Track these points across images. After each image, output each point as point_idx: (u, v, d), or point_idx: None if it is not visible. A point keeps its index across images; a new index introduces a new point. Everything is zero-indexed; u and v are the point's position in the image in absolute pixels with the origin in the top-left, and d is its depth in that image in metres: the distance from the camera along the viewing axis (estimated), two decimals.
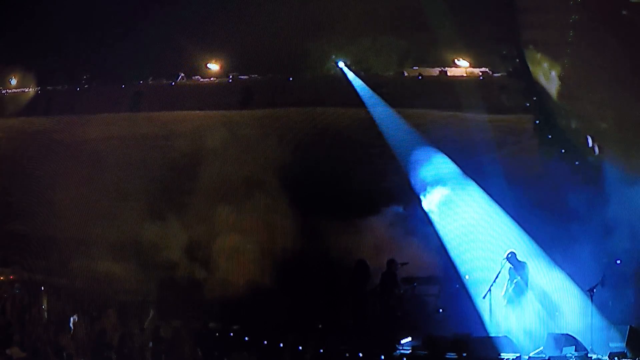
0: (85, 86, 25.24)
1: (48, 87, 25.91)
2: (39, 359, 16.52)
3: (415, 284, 18.70)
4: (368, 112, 21.31)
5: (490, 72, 21.19)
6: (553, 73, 18.85)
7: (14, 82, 26.19)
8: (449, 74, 21.58)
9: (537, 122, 19.50)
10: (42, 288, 21.35)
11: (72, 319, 19.10)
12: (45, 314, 20.03)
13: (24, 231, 22.61)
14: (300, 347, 17.15)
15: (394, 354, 16.52)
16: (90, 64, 24.61)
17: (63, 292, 20.79)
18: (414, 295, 18.69)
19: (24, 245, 22.29)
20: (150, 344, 17.61)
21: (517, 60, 19.84)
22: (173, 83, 24.00)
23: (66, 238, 21.83)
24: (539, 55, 19.26)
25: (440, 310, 18.42)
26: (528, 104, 19.63)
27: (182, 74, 24.00)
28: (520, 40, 19.63)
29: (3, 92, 26.19)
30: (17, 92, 26.12)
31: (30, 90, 26.01)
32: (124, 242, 21.13)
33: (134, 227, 21.17)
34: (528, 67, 19.55)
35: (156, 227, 21.02)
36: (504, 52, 20.17)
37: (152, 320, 19.16)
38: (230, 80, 23.46)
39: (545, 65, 19.07)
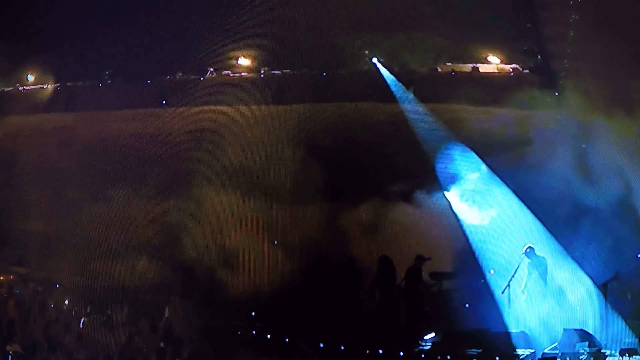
0: (108, 82, 26.89)
1: (68, 83, 27.56)
2: (37, 355, 17.62)
3: (441, 279, 20.45)
4: (401, 108, 23.32)
5: (521, 69, 23.21)
6: (575, 68, 20.75)
7: (31, 78, 27.91)
8: (481, 70, 23.71)
9: (559, 117, 21.38)
10: (57, 286, 23.02)
11: (83, 319, 20.46)
12: (55, 312, 21.39)
13: (42, 230, 24.27)
14: (321, 345, 18.81)
15: (414, 350, 18.20)
16: (113, 60, 26.16)
17: (78, 291, 22.24)
18: (440, 290, 20.43)
19: (41, 245, 23.95)
20: (162, 344, 18.74)
21: (539, 56, 21.83)
22: (202, 78, 25.70)
23: (87, 237, 23.45)
24: (560, 51, 21.18)
25: (467, 305, 20.12)
26: (550, 100, 21.54)
27: (211, 69, 25.68)
28: (541, 36, 21.61)
29: (20, 88, 27.98)
30: (35, 88, 27.84)
31: (49, 87, 27.69)
32: (148, 240, 22.73)
33: (159, 225, 22.80)
34: (549, 63, 21.50)
35: (183, 225, 22.63)
36: (525, 48, 22.21)
37: (167, 319, 20.58)
38: (262, 75, 25.27)
39: (567, 60, 21.00)
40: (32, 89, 28.07)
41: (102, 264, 22.88)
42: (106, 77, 27.11)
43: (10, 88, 28.35)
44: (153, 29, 24.71)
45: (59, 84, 27.73)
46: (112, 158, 24.09)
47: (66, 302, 22.09)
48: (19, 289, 22.70)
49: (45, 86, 27.94)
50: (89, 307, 21.30)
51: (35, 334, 18.71)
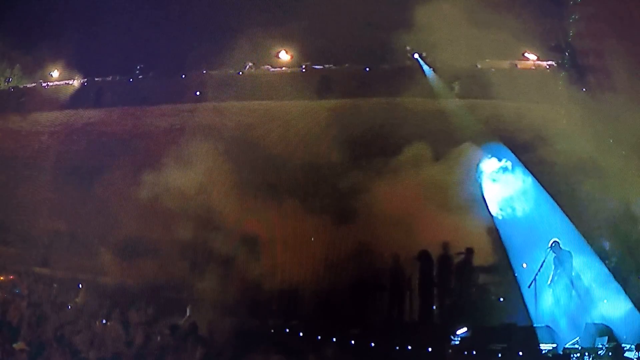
0: (140, 77, 28.68)
1: (96, 79, 29.29)
2: (45, 353, 18.50)
3: (476, 273, 22.34)
4: (442, 104, 25.38)
5: (556, 65, 25.04)
6: (601, 64, 22.48)
7: (55, 74, 29.60)
8: (519, 66, 25.84)
9: (587, 112, 23.08)
10: (80, 286, 24.47)
11: (103, 321, 21.50)
12: (74, 311, 22.47)
13: (68, 230, 25.76)
14: (352, 342, 20.60)
15: (444, 346, 19.96)
16: (145, 54, 27.80)
17: (101, 291, 23.66)
18: (475, 284, 22.39)
19: (67, 245, 25.51)
20: (185, 343, 19.59)
21: (567, 52, 23.66)
22: (240, 73, 27.46)
23: (116, 236, 24.77)
24: (587, 47, 22.95)
25: (501, 299, 22.08)
26: (578, 95, 23.30)
27: (250, 64, 27.49)
28: (570, 32, 23.45)
29: (43, 85, 29.66)
30: (60, 84, 29.48)
31: (75, 83, 29.38)
32: (180, 240, 24.09)
33: (194, 224, 24.19)
34: (578, 59, 23.30)
35: (218, 223, 24.12)
36: (553, 45, 24.09)
37: (188, 318, 21.88)
38: (304, 70, 27.21)
39: (593, 56, 22.73)
40: (56, 85, 29.69)
41: (133, 264, 24.28)
42: (137, 72, 28.83)
43: (33, 84, 30.13)
44: (188, 21, 26.31)
45: (86, 80, 29.41)
46: (145, 154, 25.52)
47: (86, 301, 23.45)
48: (19, 289, 23.98)
49: (70, 82, 29.57)
50: (110, 307, 22.43)
51: (47, 333, 19.67)
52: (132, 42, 27.01)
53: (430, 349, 19.69)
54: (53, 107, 29.36)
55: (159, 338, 19.98)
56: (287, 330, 21.88)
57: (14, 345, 18.34)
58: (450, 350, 19.95)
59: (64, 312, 22.29)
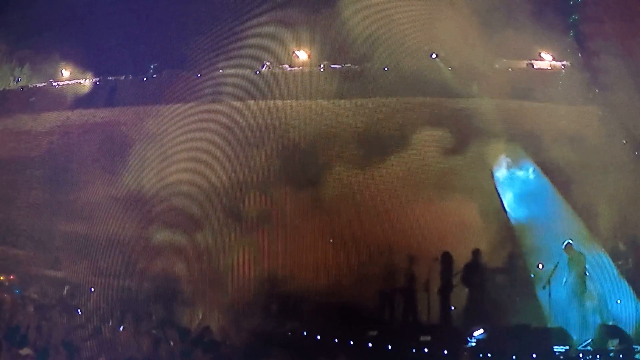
0: (154, 76, 29.45)
1: (109, 78, 30.05)
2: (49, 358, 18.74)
3: (494, 274, 23.06)
4: (460, 104, 26.39)
5: (571, 65, 25.92)
6: (616, 64, 23.16)
7: (66, 73, 30.33)
8: (535, 66, 26.94)
9: (600, 113, 23.92)
10: (92, 290, 25.13)
11: (113, 326, 21.77)
12: (84, 316, 22.79)
13: (80, 231, 26.27)
14: (370, 345, 21.29)
15: (461, 347, 20.68)
16: (159, 52, 28.64)
17: (113, 295, 24.26)
18: (493, 285, 22.99)
19: (79, 246, 26.07)
20: (197, 348, 19.73)
21: (581, 52, 24.43)
22: (257, 72, 28.42)
23: (129, 238, 25.45)
24: (601, 47, 23.65)
25: (518, 299, 22.76)
26: (591, 96, 24.12)
27: (268, 63, 28.43)
28: (581, 32, 24.21)
29: (53, 84, 30.43)
30: (71, 83, 30.19)
31: (87, 82, 30.11)
32: (195, 243, 24.82)
33: (208, 227, 24.91)
34: (590, 59, 24.05)
35: (234, 225, 24.85)
36: (568, 44, 25.02)
37: (201, 322, 22.25)
38: (322, 70, 28.13)
39: (607, 56, 23.43)
40: (67, 84, 30.42)
41: (148, 267, 24.95)
42: (151, 70, 29.64)
43: (43, 83, 30.90)
44: (204, 19, 27.06)
45: (98, 79, 30.16)
46: (158, 154, 26.06)
47: (98, 305, 23.97)
48: (18, 290, 24.55)
49: (82, 81, 30.33)
50: (122, 311, 22.64)
51: (54, 338, 19.78)
52: (146, 40, 27.86)
53: (446, 352, 20.37)
54: (64, 106, 30.09)
55: (170, 343, 20.19)
56: (305, 333, 22.55)
57: (20, 351, 18.68)
58: (466, 352, 20.64)
59: (73, 317, 22.68)
